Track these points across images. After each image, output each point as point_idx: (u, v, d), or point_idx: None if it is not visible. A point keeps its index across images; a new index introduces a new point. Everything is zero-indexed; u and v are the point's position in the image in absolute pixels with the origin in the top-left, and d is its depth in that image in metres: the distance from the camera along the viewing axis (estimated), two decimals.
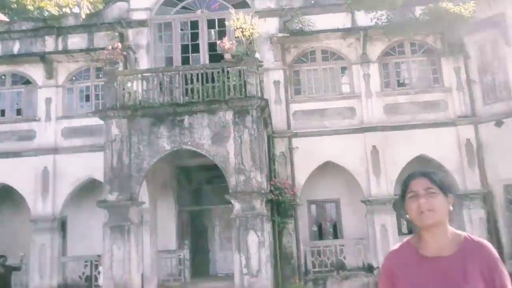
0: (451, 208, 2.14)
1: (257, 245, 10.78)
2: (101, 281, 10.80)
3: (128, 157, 11.46)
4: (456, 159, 14.41)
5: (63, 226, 16.01)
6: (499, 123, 13.95)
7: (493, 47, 14.49)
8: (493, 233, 13.76)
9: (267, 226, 11.40)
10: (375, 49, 15.24)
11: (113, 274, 10.82)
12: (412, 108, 14.86)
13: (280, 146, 14.78)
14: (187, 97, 11.74)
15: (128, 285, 10.88)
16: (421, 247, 2.17)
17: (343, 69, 15.61)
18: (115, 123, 11.60)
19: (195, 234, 17.19)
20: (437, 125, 14.57)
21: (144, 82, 12.09)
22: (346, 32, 15.21)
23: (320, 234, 15.79)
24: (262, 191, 11.14)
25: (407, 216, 2.18)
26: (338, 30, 15.22)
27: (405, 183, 2.21)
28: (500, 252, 13.42)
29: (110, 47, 12.45)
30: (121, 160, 11.43)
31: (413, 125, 14.59)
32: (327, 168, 14.69)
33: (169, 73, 12.14)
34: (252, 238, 10.82)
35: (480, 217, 13.94)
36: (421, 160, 14.69)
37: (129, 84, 12.11)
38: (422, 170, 2.24)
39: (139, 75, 12.09)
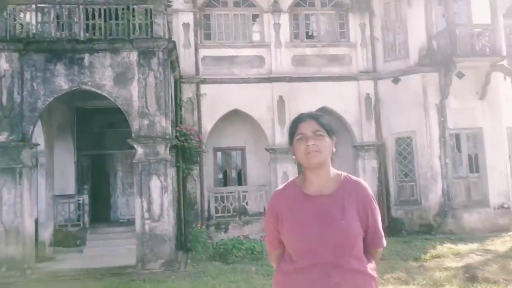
0: (334, 149, 2.25)
1: (160, 190, 10.68)
2: None
3: (20, 95, 10.57)
4: (355, 112, 15.17)
5: None
6: (396, 80, 14.82)
7: (397, 6, 15.12)
8: (383, 182, 14.90)
9: (171, 172, 11.29)
10: None
11: (3, 219, 10.18)
12: (319, 60, 15.22)
13: (187, 92, 14.50)
14: (87, 34, 10.95)
15: (21, 231, 10.32)
16: (305, 186, 2.27)
17: (255, 16, 15.45)
18: (4, 57, 10.55)
19: (96, 179, 16.66)
20: (340, 79, 15.12)
21: (39, 14, 11.05)
22: None
23: (225, 181, 16.03)
24: (167, 136, 10.93)
25: (294, 157, 2.26)
26: None
27: (294, 125, 2.27)
28: (388, 199, 14.67)
29: None
30: (12, 98, 10.52)
31: (319, 77, 15.00)
32: (234, 116, 14.75)
33: (67, 6, 11.17)
34: (155, 183, 10.69)
35: (373, 167, 14.98)
36: (323, 111, 15.20)
37: (22, 15, 11.03)
38: (310, 113, 2.31)
39: (33, 6, 10.99)
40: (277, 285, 2.28)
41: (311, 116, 2.25)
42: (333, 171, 2.28)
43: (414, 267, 9.28)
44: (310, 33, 15.98)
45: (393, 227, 14.39)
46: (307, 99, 14.75)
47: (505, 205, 14.21)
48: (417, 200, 14.31)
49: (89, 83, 10.85)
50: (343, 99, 15.02)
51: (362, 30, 15.41)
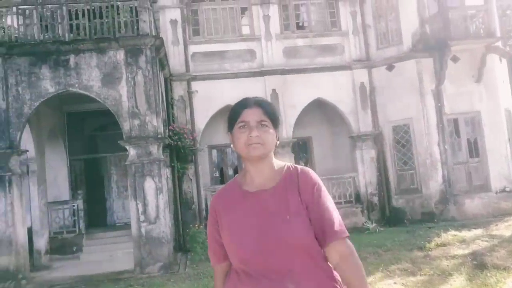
0: (277, 142, 1.99)
1: (155, 192, 10.39)
2: None
3: (5, 101, 10.24)
4: (351, 102, 14.90)
5: None
6: (390, 67, 14.55)
7: None
8: (382, 172, 14.65)
9: (165, 172, 11.01)
10: None
11: None
12: (311, 51, 14.94)
13: (178, 90, 14.19)
14: (72, 35, 10.62)
15: (13, 240, 10.01)
16: (246, 183, 1.99)
17: (243, 9, 15.13)
18: None
19: (91, 184, 16.36)
20: (334, 69, 14.85)
21: (21, 17, 10.70)
22: None
23: (222, 179, 15.75)
24: (159, 136, 10.63)
25: (232, 145, 2.00)
26: None
27: (236, 110, 1.98)
28: (388, 189, 14.43)
29: None
30: None
31: (312, 68, 14.72)
32: (228, 112, 14.39)
33: (50, 7, 10.83)
34: (149, 185, 10.40)
35: (371, 157, 14.72)
36: (318, 103, 15.02)
37: (3, 19, 10.69)
38: (256, 98, 2.02)
39: (14, 8, 10.65)
40: None
41: (257, 103, 1.96)
42: (277, 163, 2.01)
43: (419, 256, 9.03)
44: (300, 24, 15.70)
45: (395, 217, 14.16)
46: (301, 91, 14.49)
47: (507, 189, 14.00)
48: (418, 188, 14.07)
49: (76, 85, 10.53)
50: (337, 89, 14.75)
51: (353, 18, 15.13)
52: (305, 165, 16.93)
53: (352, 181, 14.75)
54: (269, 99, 14.12)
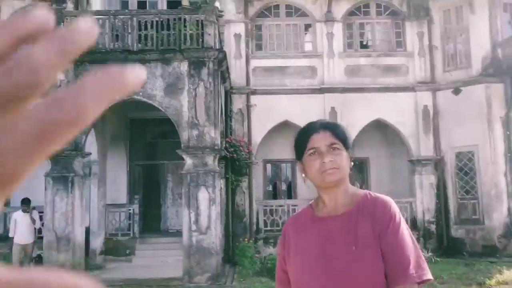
0: (351, 163, 1.83)
1: (208, 202, 10.50)
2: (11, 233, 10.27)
3: None
4: (412, 124, 14.44)
5: None
6: (456, 91, 13.99)
7: (458, 13, 14.35)
8: (442, 199, 14.03)
9: (219, 183, 11.11)
10: (341, 8, 14.81)
11: (55, 226, 10.33)
12: (373, 71, 14.67)
13: (237, 103, 14.36)
14: (140, 45, 11.04)
15: (71, 238, 10.46)
16: (318, 208, 1.86)
17: (307, 26, 15.15)
18: None
19: (148, 189, 16.82)
20: (396, 90, 14.49)
21: None
22: None
23: (275, 194, 15.70)
24: (215, 147, 10.77)
25: (303, 175, 1.85)
26: None
27: (303, 136, 1.85)
28: (447, 218, 13.79)
29: None
30: None
31: (373, 88, 14.44)
32: (285, 128, 14.40)
33: (121, 17, 11.33)
34: (203, 195, 10.52)
35: (431, 183, 14.15)
36: (378, 123, 14.68)
37: None
38: (323, 121, 1.91)
39: (89, 18, 11.21)
40: None
41: (325, 126, 1.83)
42: (352, 189, 1.86)
43: None
44: (364, 43, 15.49)
45: (453, 248, 13.49)
46: (361, 110, 14.22)
47: None
48: (480, 220, 13.34)
49: (141, 93, 10.89)
50: (398, 111, 14.34)
51: (419, 38, 14.71)
52: (361, 186, 16.57)
53: (409, 206, 14.23)
54: (327, 117, 14.08)
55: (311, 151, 1.79)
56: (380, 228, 1.71)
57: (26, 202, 10.25)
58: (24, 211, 10.17)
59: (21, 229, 10.05)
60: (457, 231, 13.66)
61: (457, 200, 13.86)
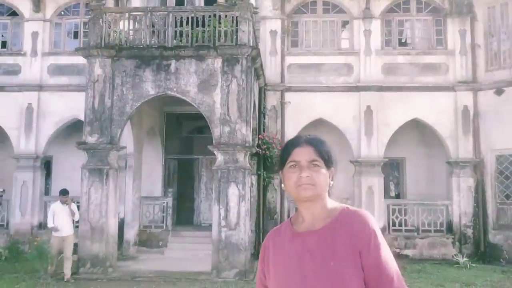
0: (331, 182, 1.86)
1: (237, 198, 10.57)
2: (50, 224, 10.32)
3: (111, 99, 11.04)
4: (451, 125, 14.00)
5: (48, 165, 15.84)
6: (499, 92, 13.46)
7: (503, 10, 13.77)
8: (480, 203, 13.56)
9: (249, 180, 11.14)
10: (379, 4, 14.50)
11: (89, 217, 10.65)
12: (411, 69, 14.30)
13: (271, 100, 14.34)
14: (175, 41, 11.18)
15: (105, 229, 10.76)
16: (297, 222, 1.89)
17: (344, 23, 14.91)
18: (98, 63, 11.10)
19: (181, 183, 17.07)
20: (435, 89, 14.07)
21: (131, 22, 11.50)
22: None
23: None
24: (246, 144, 10.80)
25: (283, 185, 1.90)
26: None
27: (287, 149, 1.89)
28: (485, 222, 13.32)
29: None
30: (103, 102, 11.03)
31: (411, 87, 14.08)
32: (319, 126, 14.30)
33: (158, 13, 11.51)
34: (233, 191, 10.60)
35: (469, 186, 13.69)
36: (415, 123, 14.35)
37: (116, 23, 11.55)
38: (309, 137, 1.91)
39: (127, 14, 11.48)
40: None
41: (309, 142, 1.87)
42: (332, 204, 1.87)
43: None
44: (403, 40, 15.12)
45: (490, 254, 13.04)
46: (397, 109, 13.93)
47: None
48: None
49: (175, 89, 11.06)
50: (437, 111, 13.94)
51: (461, 36, 14.20)
52: (396, 187, 16.26)
53: (445, 209, 13.84)
54: (362, 116, 13.90)
55: (292, 163, 1.84)
56: (361, 244, 1.72)
57: (64, 193, 10.36)
58: (62, 202, 10.30)
59: (60, 221, 10.17)
60: (495, 237, 13.19)
61: (496, 205, 13.37)
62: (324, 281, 1.70)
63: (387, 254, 1.73)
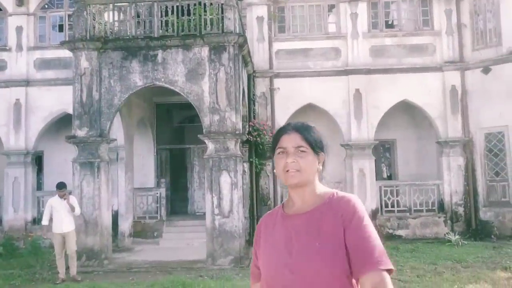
0: (320, 167, 1.93)
1: (230, 186, 10.62)
2: (44, 222, 9.63)
3: (98, 92, 10.99)
4: (439, 105, 14.10)
5: (39, 160, 15.79)
6: (486, 70, 13.55)
7: None
8: (470, 181, 13.72)
9: (241, 168, 11.19)
10: None
11: (83, 211, 10.64)
12: (399, 51, 14.33)
13: (261, 87, 14.33)
14: (161, 31, 11.11)
15: (99, 222, 10.78)
16: (288, 206, 1.96)
17: (331, 7, 14.87)
18: (84, 56, 11.01)
19: (175, 173, 17.10)
20: (423, 70, 14.14)
21: (116, 13, 11.40)
22: None
23: None
24: (237, 132, 10.82)
25: (274, 170, 1.98)
26: None
27: (276, 136, 1.97)
28: (475, 200, 13.50)
29: None
30: (91, 95, 10.97)
31: (399, 69, 14.13)
32: (308, 111, 14.34)
33: (143, 4, 11.42)
34: (225, 179, 10.64)
35: (459, 165, 13.85)
36: (404, 105, 14.42)
37: (100, 15, 11.44)
38: (296, 124, 1.97)
39: (111, 5, 11.36)
40: None
41: (296, 128, 1.92)
42: (322, 189, 1.93)
43: (502, 278, 8.36)
44: (389, 22, 15.12)
45: (481, 231, 13.23)
46: (386, 91, 13.99)
47: None
48: (509, 202, 13.01)
49: (162, 80, 11.02)
50: (425, 92, 14.02)
51: (447, 16, 14.24)
52: (388, 169, 16.39)
53: (436, 188, 13.99)
54: (351, 99, 13.94)
55: (280, 150, 1.92)
56: (345, 223, 1.78)
57: (61, 186, 9.50)
58: (60, 196, 9.50)
59: (59, 216, 9.42)
60: (485, 214, 13.37)
61: (486, 182, 13.54)
62: (309, 260, 1.76)
63: (369, 229, 1.76)
